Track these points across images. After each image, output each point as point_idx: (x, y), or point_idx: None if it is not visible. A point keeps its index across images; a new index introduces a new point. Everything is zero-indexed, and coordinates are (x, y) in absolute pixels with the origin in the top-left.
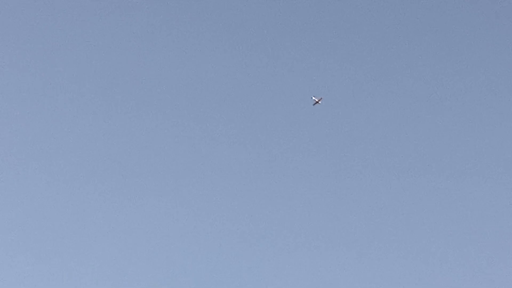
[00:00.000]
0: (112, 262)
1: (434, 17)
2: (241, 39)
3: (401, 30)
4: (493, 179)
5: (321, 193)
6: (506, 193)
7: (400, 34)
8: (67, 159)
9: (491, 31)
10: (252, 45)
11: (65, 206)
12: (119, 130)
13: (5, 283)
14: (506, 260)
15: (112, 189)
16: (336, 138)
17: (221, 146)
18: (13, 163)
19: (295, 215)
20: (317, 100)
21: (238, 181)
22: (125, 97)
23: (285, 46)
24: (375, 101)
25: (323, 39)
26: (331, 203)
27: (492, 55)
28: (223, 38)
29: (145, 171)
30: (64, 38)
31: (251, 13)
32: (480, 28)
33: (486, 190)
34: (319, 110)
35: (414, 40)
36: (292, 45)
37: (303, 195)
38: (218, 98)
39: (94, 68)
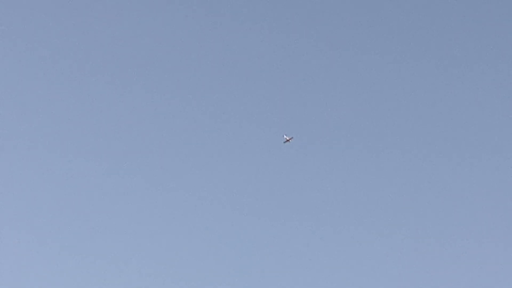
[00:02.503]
0: (112, 262)
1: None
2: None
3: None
4: (494, 178)
5: (321, 194)
6: (506, 193)
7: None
8: (67, 157)
9: (491, 31)
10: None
11: (65, 205)
12: (119, 130)
13: (5, 283)
14: (506, 260)
15: (112, 189)
16: (336, 138)
17: (221, 147)
18: (12, 163)
19: (295, 215)
20: (288, 138)
21: (238, 181)
22: (125, 94)
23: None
24: (373, 101)
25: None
26: (331, 203)
27: (492, 55)
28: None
29: (144, 172)
30: (64, 38)
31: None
32: (480, 28)
33: (486, 190)
34: (319, 110)
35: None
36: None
37: (302, 195)
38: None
39: (94, 67)
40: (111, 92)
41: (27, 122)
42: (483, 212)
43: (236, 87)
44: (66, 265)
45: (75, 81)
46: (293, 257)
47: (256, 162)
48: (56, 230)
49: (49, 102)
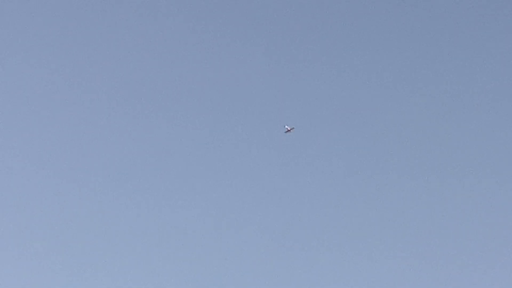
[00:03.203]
0: (111, 262)
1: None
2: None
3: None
4: (494, 180)
5: (321, 195)
6: (506, 194)
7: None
8: (67, 158)
9: (491, 32)
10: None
11: (65, 206)
12: (118, 130)
13: (5, 283)
14: (506, 261)
15: (111, 189)
16: (337, 139)
17: (221, 147)
18: (12, 163)
19: (295, 216)
20: (289, 128)
21: (237, 182)
22: (125, 96)
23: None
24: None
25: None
26: (331, 204)
27: (492, 55)
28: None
29: (144, 172)
30: (63, 37)
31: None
32: (480, 29)
33: (486, 191)
34: (320, 110)
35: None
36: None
37: (302, 196)
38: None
39: (94, 68)
40: (111, 92)
41: (27, 122)
42: (483, 213)
43: (236, 77)
44: (65, 265)
45: (75, 81)
46: (293, 258)
47: (257, 153)
48: (55, 230)
49: (49, 102)
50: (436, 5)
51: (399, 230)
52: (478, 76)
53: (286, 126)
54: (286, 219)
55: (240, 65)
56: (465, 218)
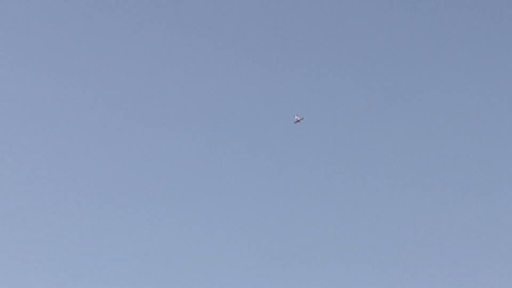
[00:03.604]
0: (111, 262)
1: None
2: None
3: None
4: (494, 183)
5: (320, 196)
6: (506, 196)
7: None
8: (67, 158)
9: (491, 32)
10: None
11: (64, 208)
12: (118, 132)
13: (5, 282)
14: (506, 261)
15: (111, 191)
16: (337, 140)
17: (220, 148)
18: (11, 163)
19: (295, 216)
20: (298, 119)
21: (237, 183)
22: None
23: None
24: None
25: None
26: (331, 206)
27: (492, 55)
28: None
29: (144, 173)
30: (63, 37)
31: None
32: (479, 30)
33: (486, 190)
34: (318, 112)
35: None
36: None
37: (302, 197)
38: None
39: (93, 70)
40: (111, 91)
41: (27, 123)
42: (484, 214)
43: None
44: (65, 265)
45: (74, 81)
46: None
47: (266, 144)
48: (55, 230)
49: (48, 103)
50: (436, 5)
51: (408, 231)
52: (478, 76)
53: (295, 116)
54: (290, 217)
55: (245, 60)
56: (465, 218)
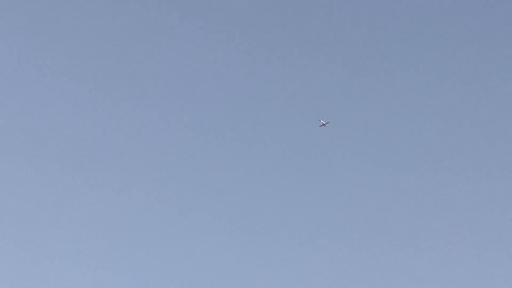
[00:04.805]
0: (111, 262)
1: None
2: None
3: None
4: (494, 178)
5: (320, 194)
6: (506, 193)
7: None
8: (67, 158)
9: (491, 32)
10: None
11: (64, 205)
12: (116, 129)
13: (5, 283)
14: (506, 261)
15: (111, 188)
16: (336, 139)
17: (220, 147)
18: (11, 162)
19: (294, 216)
20: (324, 123)
21: (237, 182)
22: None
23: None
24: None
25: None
26: (330, 204)
27: (492, 55)
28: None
29: (143, 171)
30: (63, 37)
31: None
32: (479, 30)
33: (486, 189)
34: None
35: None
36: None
37: (302, 196)
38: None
39: (92, 67)
40: (110, 91)
41: (27, 123)
42: (483, 212)
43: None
44: (65, 266)
45: (74, 81)
46: (292, 258)
47: (292, 146)
48: (54, 230)
49: (47, 101)
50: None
51: (410, 230)
52: (478, 76)
53: (321, 120)
54: (290, 217)
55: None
56: (465, 216)
